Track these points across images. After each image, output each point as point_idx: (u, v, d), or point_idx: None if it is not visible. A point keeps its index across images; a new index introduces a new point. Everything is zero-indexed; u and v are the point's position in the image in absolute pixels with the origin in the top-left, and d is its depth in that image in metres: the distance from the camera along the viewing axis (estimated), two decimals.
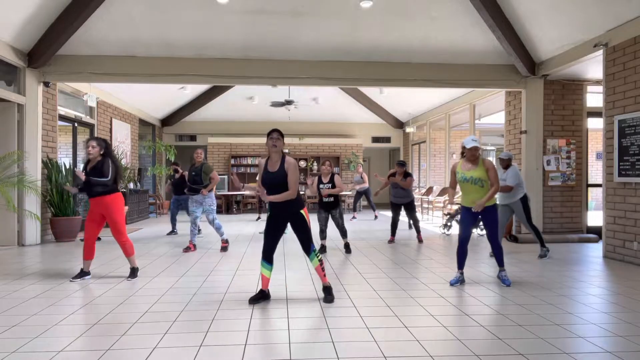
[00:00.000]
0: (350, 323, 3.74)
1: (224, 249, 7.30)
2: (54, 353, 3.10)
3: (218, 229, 7.31)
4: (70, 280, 5.21)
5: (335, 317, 3.91)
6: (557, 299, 4.45)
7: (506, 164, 6.70)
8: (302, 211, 4.30)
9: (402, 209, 8.37)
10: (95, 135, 10.50)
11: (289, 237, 8.25)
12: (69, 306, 4.25)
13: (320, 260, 4.40)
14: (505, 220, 6.87)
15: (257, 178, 4.43)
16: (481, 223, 6.13)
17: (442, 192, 12.98)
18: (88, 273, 5.38)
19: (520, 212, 6.69)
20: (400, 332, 3.53)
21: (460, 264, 5.10)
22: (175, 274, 5.64)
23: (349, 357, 3.04)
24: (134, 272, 5.39)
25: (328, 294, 4.38)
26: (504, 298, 4.52)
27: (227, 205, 15.17)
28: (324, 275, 4.42)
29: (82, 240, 5.46)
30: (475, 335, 3.48)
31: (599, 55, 7.17)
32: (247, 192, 14.73)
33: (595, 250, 7.50)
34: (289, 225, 4.40)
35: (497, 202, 6.68)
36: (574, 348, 3.21)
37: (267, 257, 4.33)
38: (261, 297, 4.33)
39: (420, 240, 8.32)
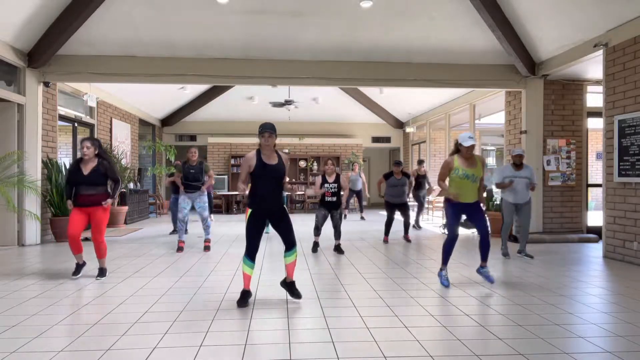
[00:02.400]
0: (350, 323, 3.74)
1: (207, 248, 7.35)
2: (54, 353, 3.10)
3: (208, 227, 7.45)
4: (73, 278, 5.28)
5: (335, 317, 3.91)
6: (557, 299, 4.45)
7: (521, 160, 6.78)
8: (284, 206, 4.43)
9: (397, 209, 8.41)
10: (95, 135, 10.50)
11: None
12: (69, 306, 4.26)
13: (296, 257, 4.47)
14: (511, 219, 6.87)
15: (244, 172, 4.30)
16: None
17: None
18: (84, 264, 5.45)
19: (529, 211, 6.82)
20: (400, 332, 3.53)
21: (447, 259, 5.08)
22: (175, 274, 5.64)
23: (349, 357, 3.04)
24: (103, 272, 5.42)
25: (296, 290, 4.42)
26: (504, 298, 4.52)
27: (227, 205, 15.17)
28: (293, 272, 4.47)
29: (84, 239, 5.48)
30: (475, 335, 3.48)
31: (599, 55, 7.16)
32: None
33: (595, 250, 7.50)
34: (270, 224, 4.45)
35: (511, 201, 6.73)
36: (574, 348, 3.21)
37: (252, 255, 4.30)
38: (247, 297, 4.32)
39: (407, 240, 8.35)
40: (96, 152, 5.29)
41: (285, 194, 4.71)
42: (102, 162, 5.29)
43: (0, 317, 3.91)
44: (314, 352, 3.14)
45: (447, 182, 5.09)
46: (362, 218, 12.92)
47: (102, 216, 5.31)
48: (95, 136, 10.50)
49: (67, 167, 8.72)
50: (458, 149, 4.99)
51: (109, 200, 5.27)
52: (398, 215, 8.62)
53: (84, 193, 5.20)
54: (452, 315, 4.00)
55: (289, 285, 4.45)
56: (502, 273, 5.71)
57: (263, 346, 3.26)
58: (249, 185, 4.39)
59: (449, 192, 4.94)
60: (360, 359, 3.02)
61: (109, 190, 5.39)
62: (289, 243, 4.37)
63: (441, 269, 5.13)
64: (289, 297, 4.49)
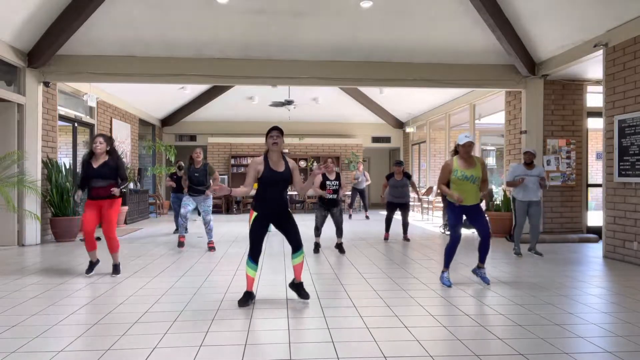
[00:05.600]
0: (350, 323, 3.74)
1: (213, 248, 7.39)
2: (54, 353, 3.10)
3: (211, 230, 7.48)
4: (87, 275, 5.43)
5: (335, 317, 3.91)
6: (557, 299, 4.45)
7: (532, 159, 6.83)
8: (289, 209, 4.43)
9: (398, 208, 8.49)
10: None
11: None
12: (69, 306, 4.25)
13: (304, 258, 4.47)
14: (524, 219, 6.92)
15: (251, 176, 4.25)
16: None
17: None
18: (98, 262, 5.59)
19: (540, 210, 6.89)
20: (400, 332, 3.53)
21: (449, 262, 5.10)
22: (175, 274, 5.64)
23: (349, 357, 3.04)
24: (117, 269, 5.55)
25: (304, 290, 4.42)
26: (504, 298, 4.52)
27: (227, 206, 15.17)
28: (300, 274, 4.47)
29: (82, 240, 5.53)
30: (475, 335, 3.48)
31: (599, 55, 7.17)
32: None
33: (595, 250, 7.50)
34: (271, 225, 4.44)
35: (521, 199, 6.81)
36: (574, 348, 3.21)
37: (256, 258, 4.29)
38: (249, 298, 4.31)
39: (406, 240, 8.43)
40: (107, 149, 5.45)
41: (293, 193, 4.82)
42: (112, 159, 5.45)
43: (0, 317, 3.91)
44: (314, 352, 3.14)
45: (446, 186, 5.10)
46: (366, 217, 12.94)
47: (112, 211, 5.46)
48: None
49: (67, 167, 8.75)
50: (457, 150, 5.03)
51: (116, 190, 5.40)
52: (397, 215, 8.65)
53: (95, 186, 5.38)
54: (452, 315, 3.99)
55: (297, 287, 4.45)
56: (503, 273, 5.70)
57: (263, 346, 3.26)
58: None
59: (452, 194, 4.93)
60: (360, 359, 3.03)
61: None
62: (295, 244, 4.37)
63: (443, 271, 5.13)
64: (289, 297, 4.49)
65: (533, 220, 6.90)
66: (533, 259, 6.68)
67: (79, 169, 7.39)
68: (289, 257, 6.64)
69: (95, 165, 5.38)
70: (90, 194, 5.40)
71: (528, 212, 6.90)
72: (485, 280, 5.03)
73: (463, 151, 4.92)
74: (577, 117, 9.04)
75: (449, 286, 4.94)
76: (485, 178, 5.04)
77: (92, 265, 5.53)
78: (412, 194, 8.77)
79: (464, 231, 5.20)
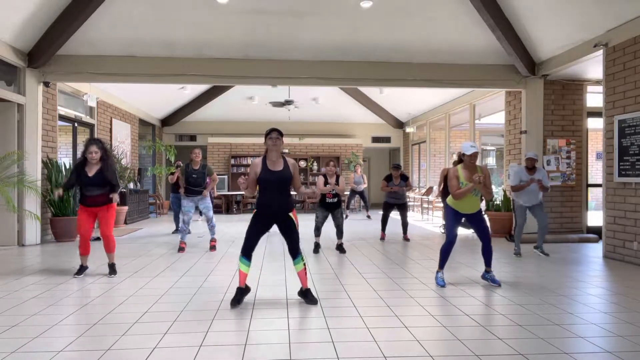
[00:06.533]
0: (350, 323, 3.74)
1: (213, 247, 7.43)
2: (54, 353, 3.10)
3: (213, 227, 7.51)
4: (74, 276, 5.39)
5: (335, 317, 3.91)
6: (557, 299, 4.45)
7: (534, 164, 6.83)
8: (291, 214, 4.30)
9: (395, 208, 8.56)
10: (95, 135, 10.50)
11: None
12: (69, 306, 4.25)
13: (305, 265, 4.41)
14: (524, 220, 6.94)
15: (250, 178, 4.29)
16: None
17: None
18: (87, 267, 5.59)
19: (543, 211, 6.89)
20: (400, 332, 3.53)
21: (444, 263, 5.10)
22: (175, 274, 5.64)
23: (349, 357, 3.04)
24: (113, 269, 5.56)
25: (311, 296, 4.33)
26: (504, 298, 4.52)
27: (227, 206, 15.17)
28: (306, 280, 4.40)
29: (95, 239, 5.55)
30: (475, 335, 3.48)
31: (599, 55, 7.17)
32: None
33: (595, 250, 7.50)
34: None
35: (522, 203, 6.85)
36: (574, 348, 3.21)
37: (248, 254, 4.29)
38: (241, 296, 4.27)
39: (406, 239, 8.47)
40: (101, 157, 5.43)
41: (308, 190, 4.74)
42: (106, 167, 5.43)
43: (0, 317, 3.90)
44: (314, 352, 3.14)
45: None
46: (368, 217, 12.96)
47: (109, 215, 5.49)
48: (96, 136, 10.50)
49: (67, 167, 8.75)
50: (461, 159, 5.00)
51: (115, 196, 5.43)
52: (397, 215, 8.67)
53: (90, 194, 5.37)
54: (452, 315, 3.99)
55: (304, 293, 4.37)
56: (503, 273, 5.70)
57: (263, 346, 3.26)
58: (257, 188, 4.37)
59: (469, 186, 4.81)
60: (360, 359, 3.02)
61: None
62: (292, 252, 4.35)
63: (437, 271, 5.14)
64: (289, 297, 4.49)
65: (540, 222, 6.89)
66: (533, 259, 6.68)
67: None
68: (289, 257, 6.66)
69: (90, 173, 5.36)
70: (86, 201, 5.39)
71: (533, 214, 6.92)
72: (496, 282, 5.01)
73: (468, 161, 4.88)
74: (577, 117, 9.04)
75: (443, 286, 4.94)
76: (489, 187, 4.98)
77: (82, 269, 5.52)
78: (408, 193, 8.87)
79: (463, 231, 5.20)
